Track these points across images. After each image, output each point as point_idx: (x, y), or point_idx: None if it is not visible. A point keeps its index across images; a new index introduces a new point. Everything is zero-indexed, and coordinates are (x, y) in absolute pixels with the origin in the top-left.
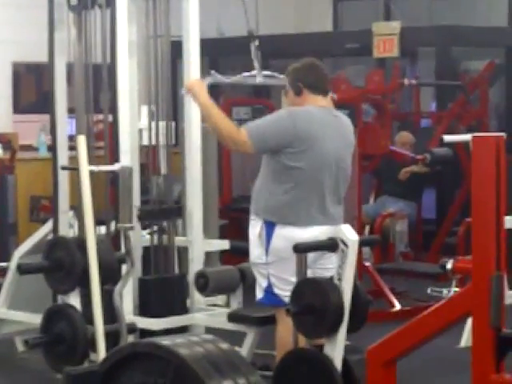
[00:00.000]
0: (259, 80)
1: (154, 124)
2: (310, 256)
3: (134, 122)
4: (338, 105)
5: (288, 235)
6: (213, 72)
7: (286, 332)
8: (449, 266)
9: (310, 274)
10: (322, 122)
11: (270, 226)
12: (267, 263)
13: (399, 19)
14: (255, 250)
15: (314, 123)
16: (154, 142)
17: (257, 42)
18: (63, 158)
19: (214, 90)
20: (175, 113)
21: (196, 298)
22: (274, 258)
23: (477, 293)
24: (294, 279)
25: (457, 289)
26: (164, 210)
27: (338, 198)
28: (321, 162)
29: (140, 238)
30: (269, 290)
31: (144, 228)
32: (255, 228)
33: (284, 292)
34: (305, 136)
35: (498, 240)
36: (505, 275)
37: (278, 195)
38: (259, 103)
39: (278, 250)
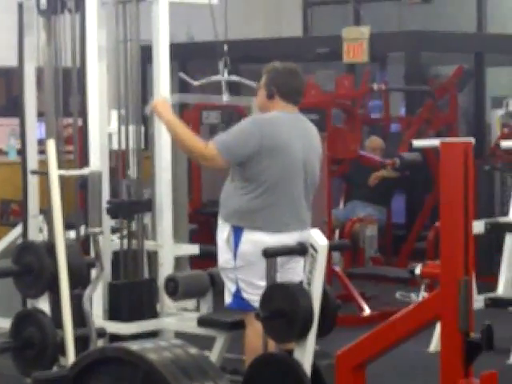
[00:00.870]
0: (226, 100)
1: (123, 128)
2: (279, 260)
3: (103, 126)
4: (308, 109)
5: (257, 240)
6: (181, 74)
7: (254, 336)
8: (417, 270)
9: (278, 277)
10: (289, 127)
11: (237, 231)
12: (235, 268)
13: (369, 24)
14: (223, 255)
15: (280, 130)
16: (123, 146)
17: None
18: (33, 162)
19: (184, 92)
20: (145, 117)
21: (166, 302)
22: (242, 262)
23: (445, 297)
24: (262, 283)
25: (425, 293)
26: (134, 203)
27: (308, 203)
28: (289, 168)
29: (109, 242)
30: (237, 295)
31: (113, 232)
32: (223, 233)
33: (252, 296)
34: (271, 144)
35: (466, 245)
36: (473, 279)
37: (246, 200)
38: (229, 107)
39: (245, 254)
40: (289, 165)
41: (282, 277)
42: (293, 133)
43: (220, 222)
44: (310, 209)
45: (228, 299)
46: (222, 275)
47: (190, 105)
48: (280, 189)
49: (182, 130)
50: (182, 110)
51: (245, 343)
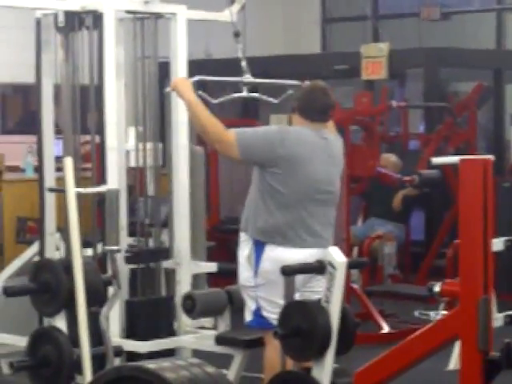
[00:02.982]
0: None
1: (141, 145)
2: (299, 279)
3: (121, 143)
4: None
5: (277, 257)
6: (200, 93)
7: (274, 355)
8: (436, 288)
9: (298, 296)
10: (312, 144)
11: (259, 246)
12: (256, 286)
13: (387, 41)
14: (244, 273)
15: (302, 145)
16: (141, 164)
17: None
18: (50, 179)
19: None
20: (162, 134)
21: (183, 320)
22: (262, 280)
23: (464, 316)
24: (282, 302)
25: (444, 312)
26: (151, 252)
27: (328, 220)
28: (308, 185)
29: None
30: (257, 313)
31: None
32: (244, 250)
33: (272, 315)
34: (291, 157)
35: (486, 263)
36: (492, 298)
37: (266, 216)
38: (248, 124)
39: (266, 272)
40: (309, 180)
41: (302, 296)
42: (314, 149)
43: (242, 238)
44: (332, 226)
45: (248, 317)
46: (242, 293)
47: None
48: (299, 204)
49: (202, 109)
50: None
51: (264, 362)
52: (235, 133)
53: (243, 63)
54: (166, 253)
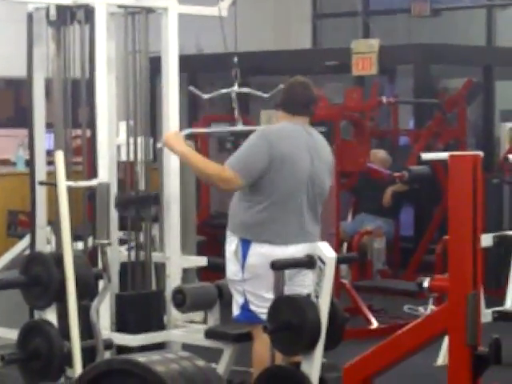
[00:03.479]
0: (239, 128)
1: (132, 140)
2: (287, 273)
3: (112, 137)
4: (316, 122)
5: (264, 252)
6: (191, 87)
7: (262, 349)
8: (425, 284)
9: (287, 291)
10: (297, 139)
11: (245, 244)
12: (243, 280)
13: (378, 37)
14: (231, 267)
15: (287, 141)
16: (132, 158)
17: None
18: (41, 172)
19: (193, 105)
20: (153, 128)
21: (173, 314)
22: (249, 274)
23: (453, 311)
24: (270, 296)
25: (433, 307)
26: (141, 198)
27: (315, 215)
28: (295, 179)
29: (117, 253)
30: (245, 307)
31: (121, 244)
32: (231, 245)
33: (260, 309)
34: (278, 154)
35: (475, 258)
36: (481, 293)
37: (253, 213)
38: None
39: (253, 266)
40: (295, 176)
41: (289, 290)
42: (299, 144)
43: (228, 234)
44: (319, 221)
45: (236, 311)
46: (230, 287)
47: (198, 117)
48: (287, 200)
49: (196, 159)
50: (190, 123)
51: (252, 356)
52: (229, 165)
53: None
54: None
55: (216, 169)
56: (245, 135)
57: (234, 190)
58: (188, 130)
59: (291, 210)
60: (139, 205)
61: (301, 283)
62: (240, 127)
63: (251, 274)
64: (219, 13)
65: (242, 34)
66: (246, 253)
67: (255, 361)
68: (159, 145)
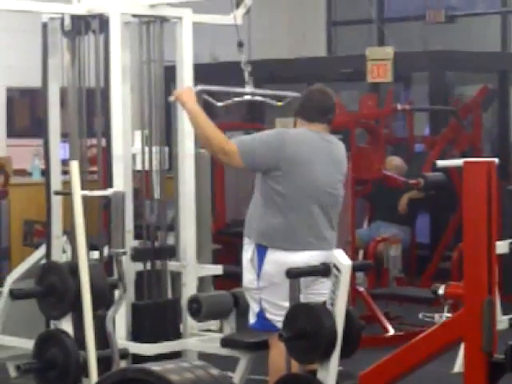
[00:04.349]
0: (260, 91)
1: (147, 149)
2: (303, 281)
3: (127, 146)
4: (332, 129)
5: (279, 260)
6: (205, 96)
7: (279, 357)
8: (440, 291)
9: (302, 299)
10: (313, 146)
11: (261, 250)
12: (259, 288)
13: (393, 44)
14: (247, 275)
15: (303, 146)
16: (147, 167)
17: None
18: (56, 182)
19: (207, 113)
20: (168, 137)
21: (189, 323)
22: (265, 283)
23: (469, 318)
24: (286, 304)
25: (449, 314)
26: (157, 250)
27: (331, 223)
28: (309, 187)
29: (133, 262)
30: (261, 315)
31: None
32: (247, 252)
33: (276, 317)
34: (292, 158)
35: (490, 265)
36: (497, 300)
37: (268, 219)
38: (252, 128)
39: (269, 275)
40: (309, 182)
41: (306, 299)
42: (314, 151)
43: (245, 240)
44: (336, 228)
45: (252, 319)
46: (246, 295)
47: None
48: (301, 206)
49: (204, 120)
50: None
51: (269, 364)
52: (236, 141)
53: (246, 74)
54: (172, 251)
55: (221, 138)
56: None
57: (232, 167)
58: (201, 87)
59: (305, 217)
60: (156, 256)
61: (318, 292)
62: (258, 91)
63: (267, 283)
64: (234, 21)
65: (257, 42)
66: (262, 261)
67: (271, 369)
68: (171, 98)
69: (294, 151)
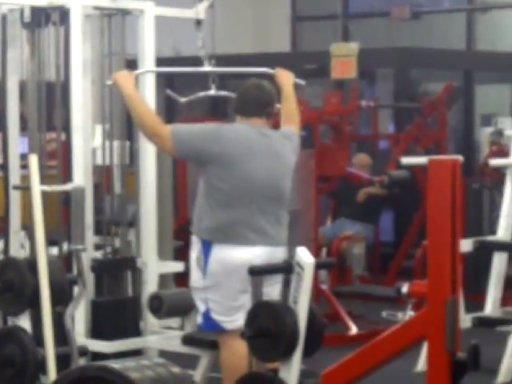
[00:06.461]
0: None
1: (108, 143)
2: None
3: (87, 141)
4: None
5: (223, 258)
6: (168, 91)
7: (229, 357)
8: (404, 289)
9: (247, 297)
10: (249, 140)
11: (206, 248)
12: (204, 288)
13: (357, 40)
14: (193, 274)
15: (238, 142)
16: (107, 162)
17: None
18: (15, 177)
19: (171, 109)
20: (130, 132)
21: (150, 320)
22: (211, 282)
23: (432, 317)
24: (232, 304)
25: (412, 312)
26: (118, 261)
27: (276, 218)
28: (247, 183)
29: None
30: (207, 316)
31: (97, 249)
32: (194, 251)
33: (221, 317)
34: (227, 153)
35: (454, 263)
36: (460, 299)
37: (209, 215)
38: (216, 122)
39: (214, 274)
40: (247, 178)
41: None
42: (251, 146)
43: (193, 239)
44: (282, 224)
45: (199, 319)
46: (193, 295)
47: (175, 120)
48: (240, 202)
49: (140, 103)
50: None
51: (222, 365)
52: (171, 128)
53: (202, 53)
54: (132, 262)
55: (155, 121)
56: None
57: (163, 151)
58: (139, 71)
59: (245, 212)
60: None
61: (272, 281)
62: (208, 68)
63: (212, 282)
64: (199, 15)
65: (220, 37)
66: (207, 259)
67: (225, 370)
68: (108, 82)
69: (228, 146)
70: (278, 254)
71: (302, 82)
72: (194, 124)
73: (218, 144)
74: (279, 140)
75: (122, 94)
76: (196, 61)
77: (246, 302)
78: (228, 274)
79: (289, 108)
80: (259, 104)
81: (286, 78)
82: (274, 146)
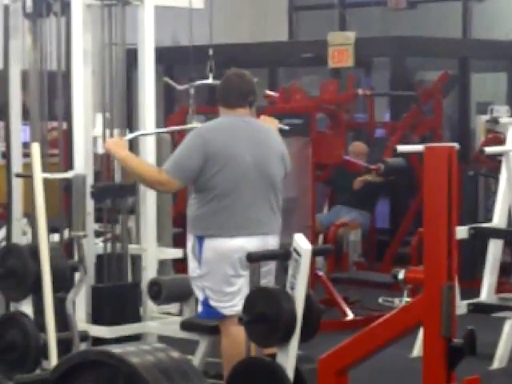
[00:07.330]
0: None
1: (108, 132)
2: (244, 264)
3: (88, 129)
4: (293, 114)
5: (216, 247)
6: (166, 79)
7: (230, 343)
8: (400, 275)
9: (243, 282)
10: (233, 132)
11: (199, 240)
12: (201, 276)
13: (354, 29)
14: (190, 264)
15: (222, 136)
16: None
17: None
18: (17, 165)
19: (169, 98)
20: (130, 121)
21: (149, 306)
22: (206, 270)
23: (428, 303)
24: (228, 290)
25: (408, 298)
26: (117, 187)
27: (270, 205)
28: (236, 172)
29: (93, 245)
30: (205, 303)
31: (97, 236)
32: (189, 241)
33: (220, 303)
34: (215, 150)
35: (450, 250)
36: (456, 285)
37: (200, 207)
38: (214, 112)
39: (208, 261)
40: (235, 168)
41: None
42: (237, 136)
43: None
44: (275, 211)
45: (199, 308)
46: (191, 284)
47: (174, 109)
48: (230, 193)
49: (135, 163)
50: (166, 114)
51: (222, 352)
52: (165, 168)
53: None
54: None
55: (153, 172)
56: None
57: (173, 192)
58: (131, 135)
59: (236, 203)
60: (116, 194)
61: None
62: (192, 125)
63: (208, 270)
64: (198, 5)
65: (219, 26)
66: (201, 248)
67: (224, 355)
68: (101, 150)
69: (215, 144)
70: (270, 241)
71: (285, 127)
72: (178, 148)
73: (207, 146)
74: (266, 128)
75: (116, 159)
76: (195, 50)
77: (244, 287)
78: (220, 259)
79: None
80: (242, 94)
81: (271, 124)
82: (261, 134)
